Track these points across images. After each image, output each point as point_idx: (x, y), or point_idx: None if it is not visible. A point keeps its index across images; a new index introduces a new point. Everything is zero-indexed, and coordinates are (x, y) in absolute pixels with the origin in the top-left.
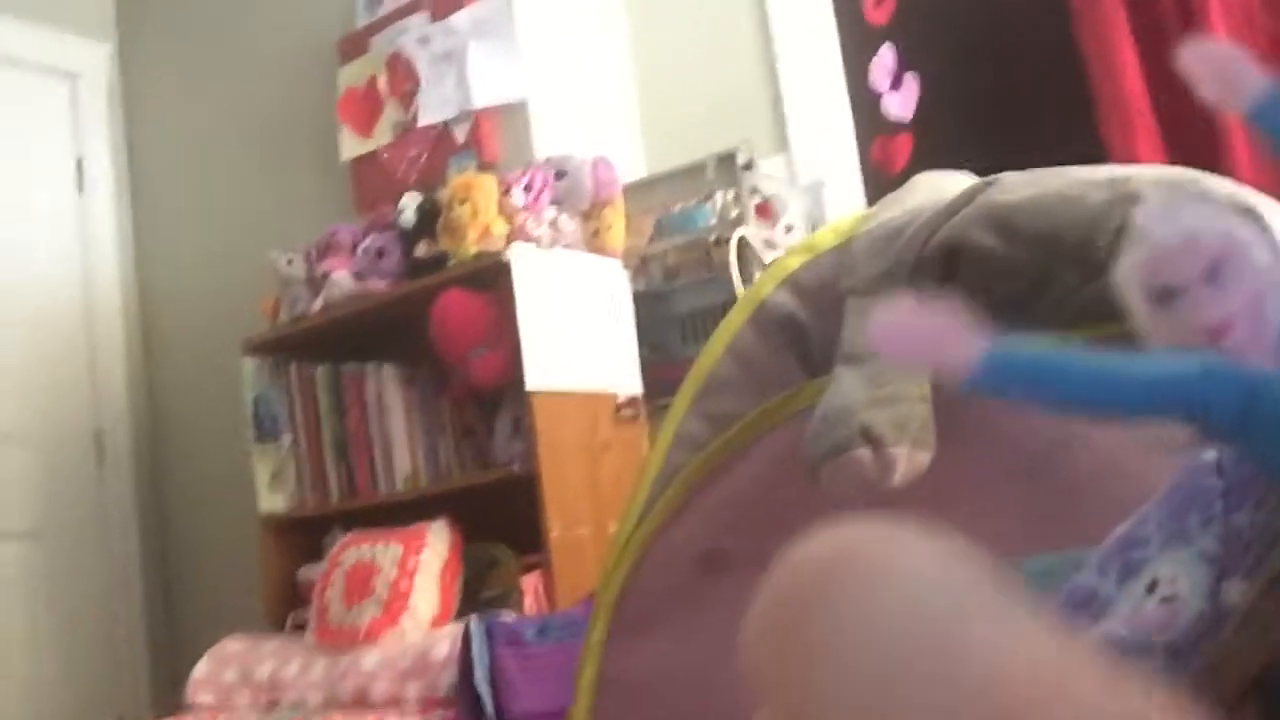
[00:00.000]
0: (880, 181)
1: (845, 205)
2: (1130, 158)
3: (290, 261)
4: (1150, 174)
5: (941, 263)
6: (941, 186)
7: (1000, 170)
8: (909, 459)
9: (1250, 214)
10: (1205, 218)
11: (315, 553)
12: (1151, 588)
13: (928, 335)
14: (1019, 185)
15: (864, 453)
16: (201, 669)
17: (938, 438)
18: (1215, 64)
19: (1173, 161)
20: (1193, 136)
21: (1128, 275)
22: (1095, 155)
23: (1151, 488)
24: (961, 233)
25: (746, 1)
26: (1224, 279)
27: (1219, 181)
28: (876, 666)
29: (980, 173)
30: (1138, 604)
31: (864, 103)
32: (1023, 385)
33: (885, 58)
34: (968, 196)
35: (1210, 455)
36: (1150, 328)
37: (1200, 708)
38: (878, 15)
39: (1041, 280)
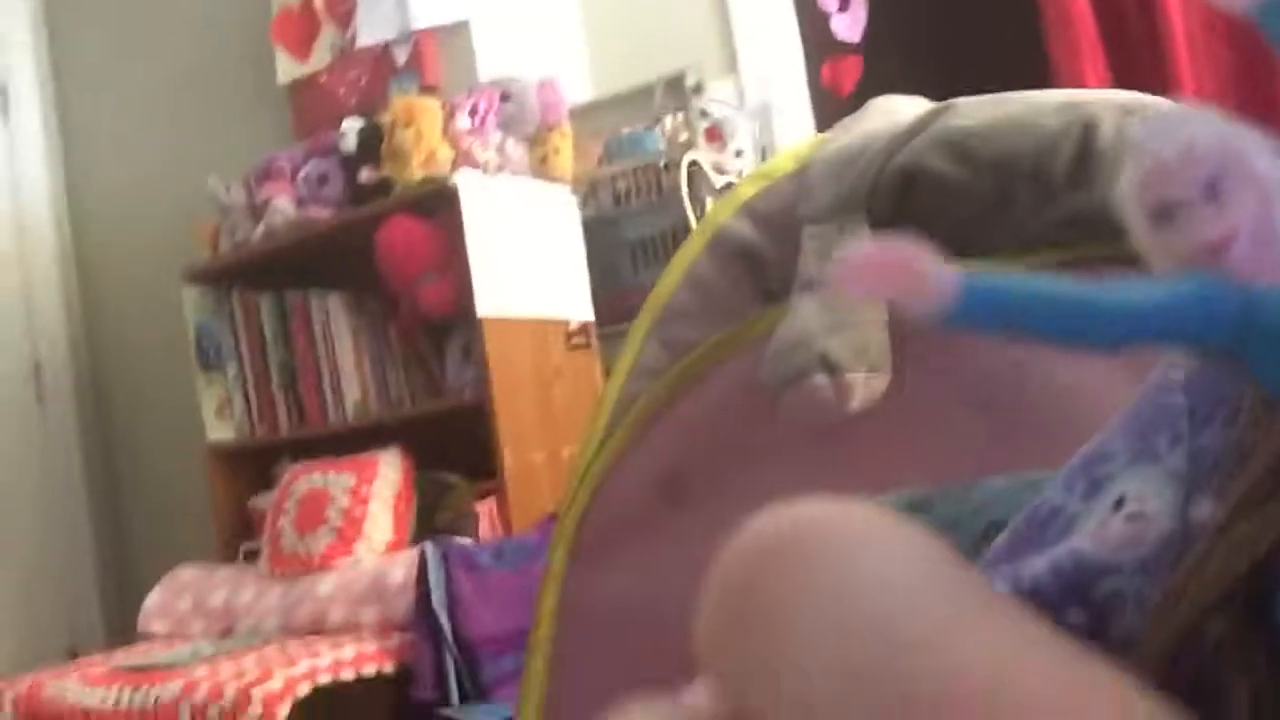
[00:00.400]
0: (829, 105)
1: (795, 128)
2: (1077, 79)
3: (229, 188)
4: (1104, 98)
5: (898, 188)
6: (896, 111)
7: (950, 93)
8: (867, 385)
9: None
10: (1202, 129)
11: (266, 482)
12: (1118, 504)
13: (898, 269)
14: (974, 110)
15: (822, 379)
16: (154, 598)
17: (894, 364)
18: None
19: (1118, 81)
20: (1139, 59)
21: (1126, 195)
22: (1043, 76)
23: (1112, 408)
24: (918, 158)
25: None
26: (1224, 192)
27: (1168, 104)
28: (833, 654)
29: (932, 96)
30: (1104, 520)
31: (813, 24)
32: (1005, 316)
33: None
34: (923, 122)
35: (1176, 373)
36: (1151, 249)
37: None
38: None
39: (998, 204)
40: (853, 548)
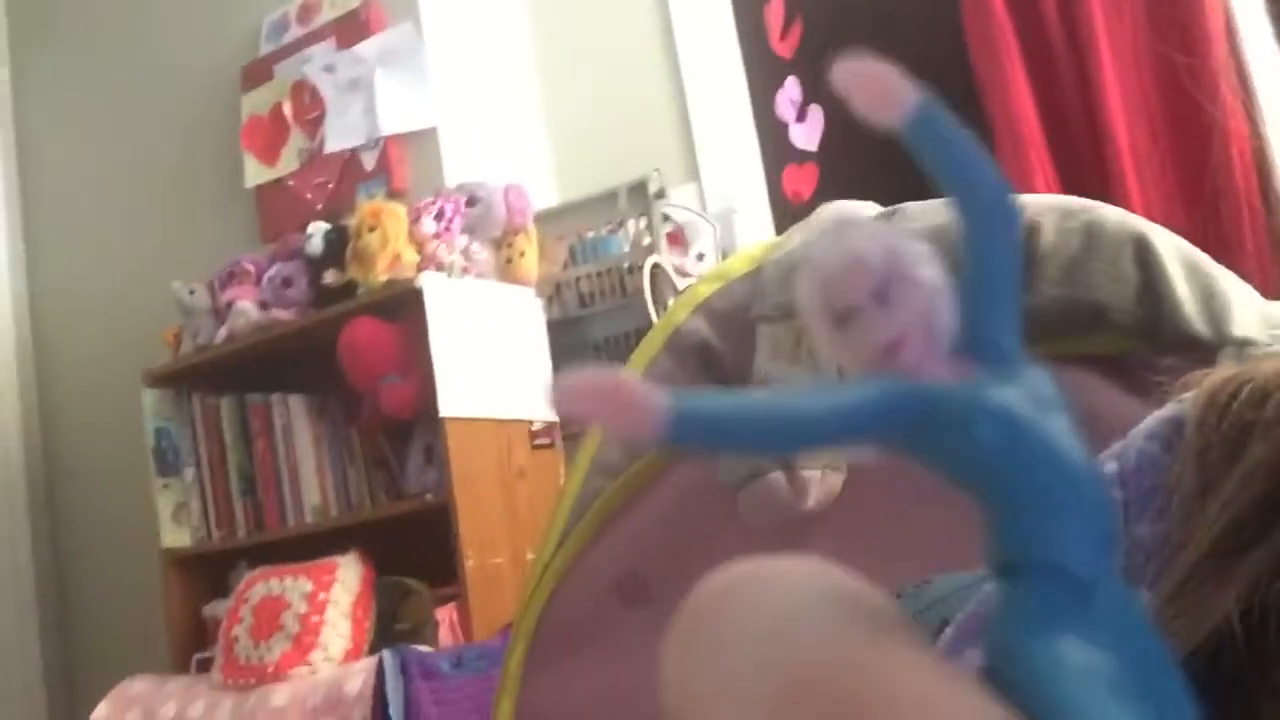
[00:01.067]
0: (789, 210)
1: (755, 233)
2: (1024, 184)
3: (193, 291)
4: (1045, 202)
5: None
6: (848, 215)
7: (903, 199)
8: (823, 482)
9: (922, 234)
10: (867, 240)
11: (221, 589)
12: None
13: (607, 395)
14: (922, 214)
15: (778, 476)
16: (101, 711)
17: (855, 462)
18: (869, 79)
19: (1065, 186)
20: (1083, 163)
21: (804, 303)
22: None
23: None
24: None
25: (654, 31)
26: (892, 298)
27: (1109, 209)
28: (750, 677)
29: (884, 201)
30: None
31: (771, 133)
32: (709, 436)
33: (791, 89)
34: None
35: (1111, 466)
36: (836, 353)
37: None
38: (783, 48)
39: None
40: (772, 581)
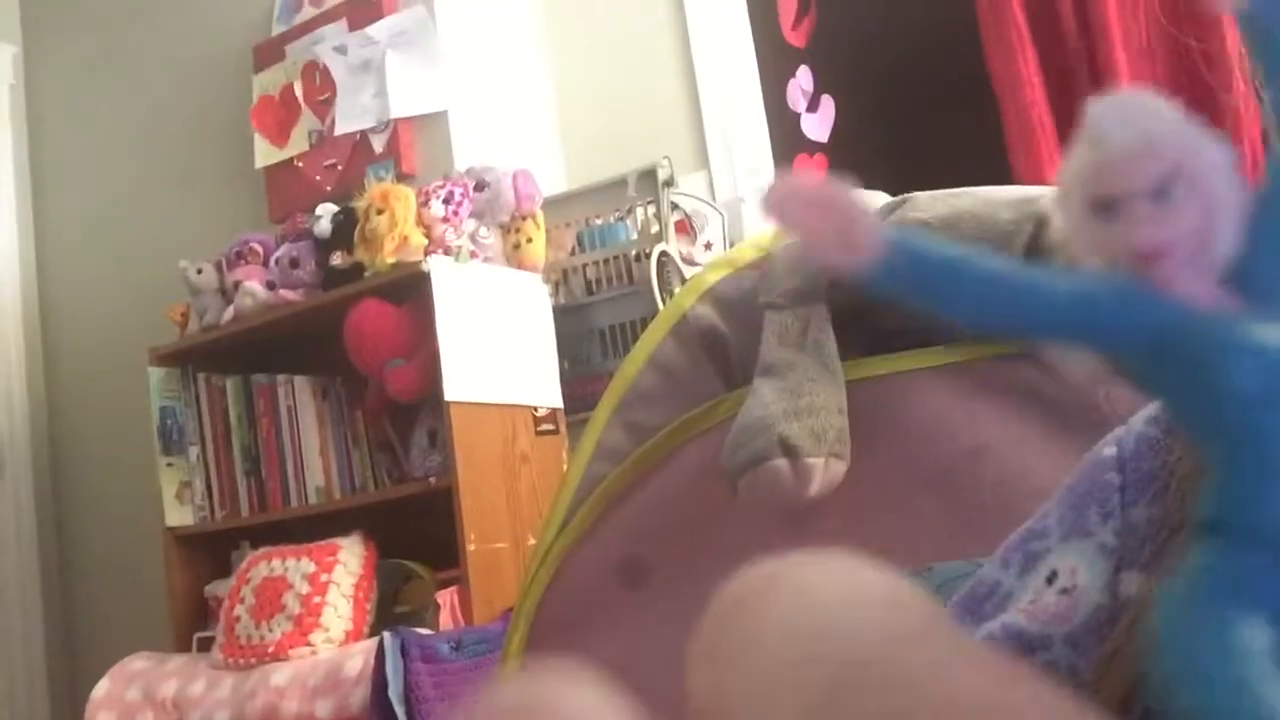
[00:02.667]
0: None
1: (763, 223)
2: (1036, 176)
3: (200, 271)
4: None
5: (855, 280)
6: None
7: (912, 190)
8: (826, 469)
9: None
10: (1162, 124)
11: (223, 568)
12: (1051, 579)
13: (829, 208)
14: (931, 204)
15: (781, 463)
16: (102, 688)
17: (853, 449)
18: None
19: None
20: None
21: (1069, 180)
22: (1002, 176)
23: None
24: None
25: (667, 19)
26: (1170, 196)
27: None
28: (814, 683)
29: (893, 193)
30: (1037, 595)
31: (782, 123)
32: (926, 282)
33: (802, 79)
34: (881, 215)
35: (1110, 450)
36: (1080, 241)
37: (1096, 699)
38: (795, 37)
39: None
40: (822, 576)
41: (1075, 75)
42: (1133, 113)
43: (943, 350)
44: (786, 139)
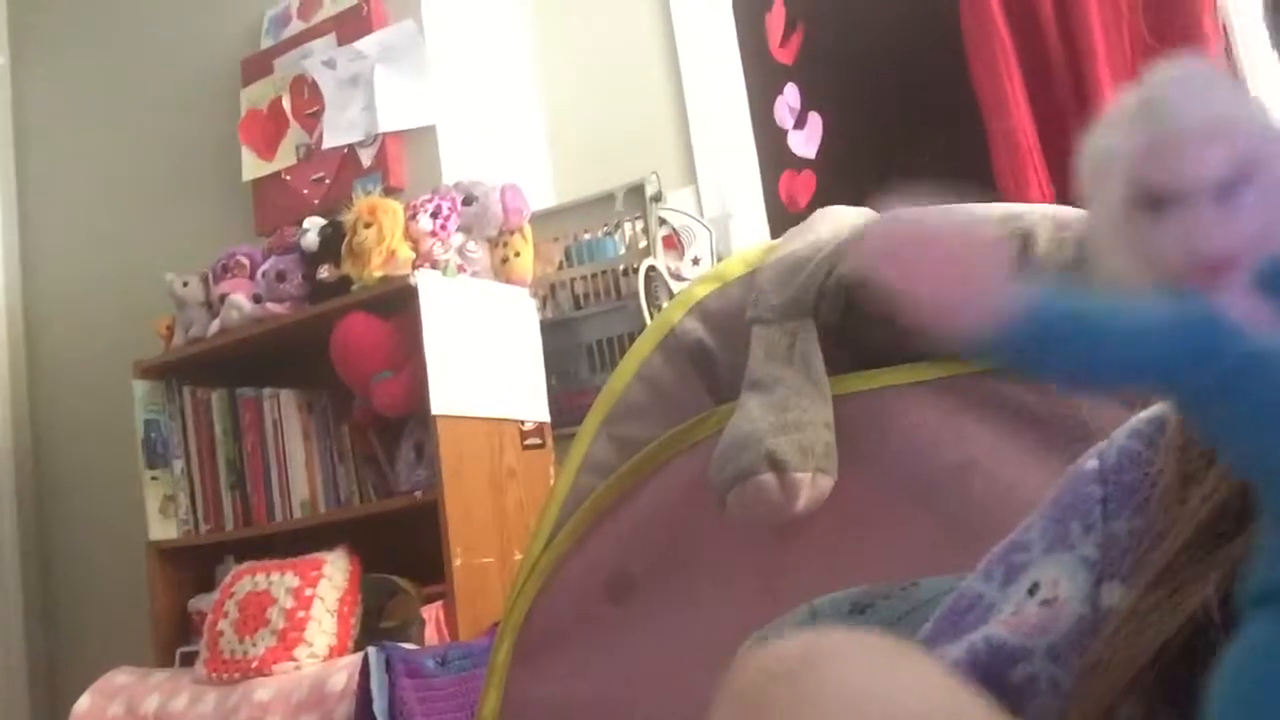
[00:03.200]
0: (785, 216)
1: (751, 239)
2: (1020, 193)
3: (186, 283)
4: (1041, 211)
5: (843, 295)
6: (842, 220)
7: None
8: (813, 485)
9: None
10: (1236, 106)
11: (207, 583)
12: (1033, 590)
13: (950, 257)
14: None
15: (769, 478)
16: (85, 703)
17: (840, 464)
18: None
19: (1060, 196)
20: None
21: (1104, 165)
22: (989, 195)
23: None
24: (860, 267)
25: (656, 36)
26: (1240, 194)
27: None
28: None
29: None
30: (1019, 606)
31: (770, 140)
32: (1057, 352)
33: (790, 96)
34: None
35: (1092, 463)
36: (1114, 245)
37: (1077, 711)
38: (783, 54)
39: None
40: (859, 665)
41: (1061, 93)
42: (1201, 86)
43: (929, 365)
44: (774, 155)
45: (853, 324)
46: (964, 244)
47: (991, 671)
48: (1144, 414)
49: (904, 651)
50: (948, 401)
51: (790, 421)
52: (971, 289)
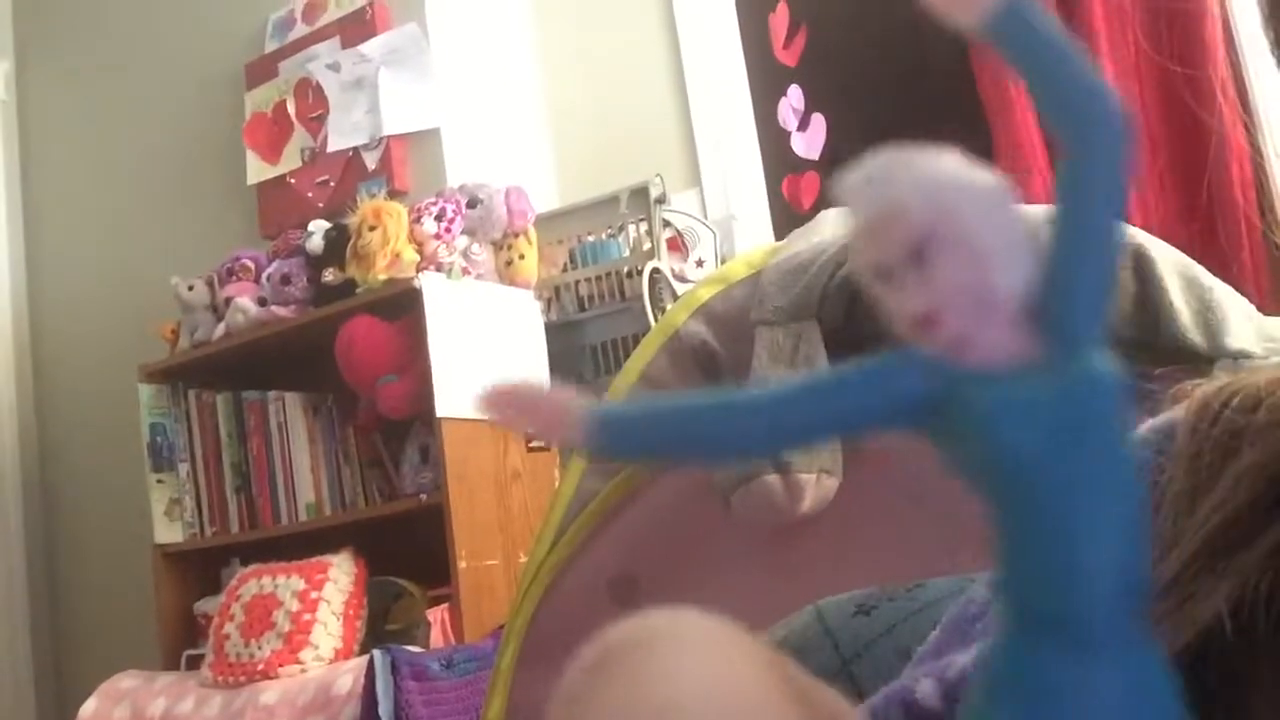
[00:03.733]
0: (789, 218)
1: (755, 241)
2: (1024, 198)
3: (191, 287)
4: (1043, 213)
5: (846, 297)
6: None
7: None
8: (818, 485)
9: (1000, 185)
10: (916, 181)
11: (213, 585)
12: None
13: (537, 403)
14: None
15: (773, 479)
16: (90, 706)
17: (845, 465)
18: None
19: None
20: None
21: (853, 250)
22: None
23: None
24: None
25: (660, 38)
26: (928, 258)
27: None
28: None
29: None
30: None
31: (773, 141)
32: (633, 442)
33: (793, 98)
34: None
35: None
36: (885, 309)
37: None
38: (787, 56)
39: None
40: (660, 648)
41: None
42: (878, 174)
43: None
44: (777, 157)
45: (856, 326)
46: (537, 390)
47: None
48: (1153, 421)
49: (708, 629)
50: None
51: None
52: (552, 418)
